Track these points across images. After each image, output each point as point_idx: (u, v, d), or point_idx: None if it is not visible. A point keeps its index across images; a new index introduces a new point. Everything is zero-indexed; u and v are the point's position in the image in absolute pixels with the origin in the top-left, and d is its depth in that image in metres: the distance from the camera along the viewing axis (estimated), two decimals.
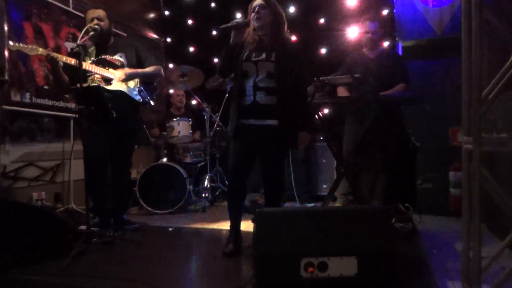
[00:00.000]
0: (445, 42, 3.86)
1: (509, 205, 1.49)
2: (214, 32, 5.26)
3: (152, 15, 5.40)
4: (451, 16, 3.99)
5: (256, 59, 2.41)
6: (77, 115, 2.63)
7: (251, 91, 2.41)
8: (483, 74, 1.56)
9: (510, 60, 1.54)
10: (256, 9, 2.40)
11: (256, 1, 2.44)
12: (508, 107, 2.18)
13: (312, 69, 2.64)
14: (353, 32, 4.41)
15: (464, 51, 1.55)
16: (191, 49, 5.39)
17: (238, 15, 5.12)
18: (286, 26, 2.50)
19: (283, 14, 2.48)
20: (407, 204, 3.26)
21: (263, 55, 2.40)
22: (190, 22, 5.37)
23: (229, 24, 2.38)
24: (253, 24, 2.43)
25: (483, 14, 1.47)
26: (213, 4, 5.25)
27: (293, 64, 2.41)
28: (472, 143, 1.47)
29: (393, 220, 2.97)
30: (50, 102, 3.63)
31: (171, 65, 5.24)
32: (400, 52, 4.15)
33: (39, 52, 2.69)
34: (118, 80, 2.92)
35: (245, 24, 2.40)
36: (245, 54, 2.43)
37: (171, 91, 4.65)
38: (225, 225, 3.13)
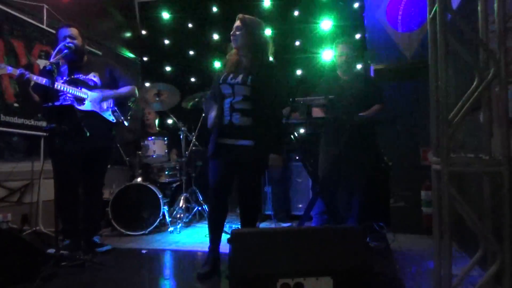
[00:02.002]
0: (414, 65, 4.03)
1: (477, 223, 1.54)
2: (191, 52, 5.30)
3: (128, 34, 5.39)
4: (420, 41, 4.18)
5: (232, 82, 2.43)
6: (47, 134, 2.56)
7: (228, 112, 2.43)
8: (451, 96, 1.64)
9: (474, 85, 1.63)
10: (233, 30, 2.45)
11: (236, 21, 2.47)
12: (474, 128, 2.28)
13: (288, 90, 2.69)
14: (327, 55, 4.54)
15: (431, 75, 1.62)
16: (168, 68, 5.40)
17: (215, 36, 5.19)
18: (269, 47, 2.52)
19: (264, 35, 2.50)
20: (381, 223, 3.31)
21: (239, 78, 2.42)
22: (167, 41, 5.40)
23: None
24: (232, 44, 2.48)
25: (448, 41, 1.55)
26: (190, 24, 5.30)
27: (269, 87, 2.43)
28: (440, 163, 1.52)
29: (367, 239, 3.01)
30: (19, 120, 3.52)
31: (147, 84, 5.22)
32: (372, 74, 4.30)
33: (8, 71, 2.62)
34: (93, 102, 2.89)
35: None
36: (223, 76, 2.47)
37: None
38: (201, 247, 3.08)
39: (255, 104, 2.41)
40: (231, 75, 2.45)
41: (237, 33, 2.42)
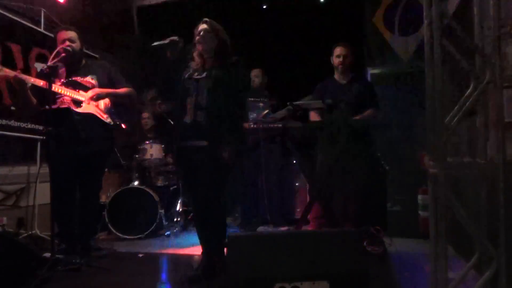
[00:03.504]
0: (411, 69, 4.05)
1: (473, 227, 1.55)
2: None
3: (126, 38, 5.39)
4: (416, 46, 4.20)
5: (197, 77, 2.42)
6: (44, 137, 2.56)
7: (192, 110, 2.38)
8: (447, 100, 1.65)
9: (470, 89, 1.64)
10: (200, 33, 2.44)
11: (201, 25, 2.48)
12: (471, 132, 2.29)
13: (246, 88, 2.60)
14: (325, 59, 4.55)
15: (428, 79, 1.63)
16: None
17: None
18: (231, 53, 2.49)
19: (228, 41, 2.50)
20: (378, 227, 3.30)
21: (204, 74, 2.41)
22: None
23: (163, 42, 2.38)
24: (198, 47, 2.46)
25: (444, 46, 1.56)
26: (188, 29, 5.31)
27: (230, 81, 2.38)
28: (437, 167, 1.53)
29: (364, 243, 3.01)
30: (16, 123, 3.50)
31: (145, 88, 5.21)
32: (369, 78, 4.32)
33: (4, 73, 2.62)
34: (88, 99, 2.87)
35: (179, 43, 2.39)
36: (188, 73, 2.45)
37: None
38: (198, 250, 3.07)
39: (216, 98, 2.35)
40: (197, 73, 2.44)
41: (206, 35, 2.42)
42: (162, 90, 2.49)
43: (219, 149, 2.30)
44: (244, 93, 2.56)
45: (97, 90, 2.93)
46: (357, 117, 3.13)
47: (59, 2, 4.09)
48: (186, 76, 2.45)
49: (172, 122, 4.25)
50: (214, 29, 2.45)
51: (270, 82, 4.33)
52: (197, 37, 2.45)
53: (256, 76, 4.17)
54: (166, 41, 2.38)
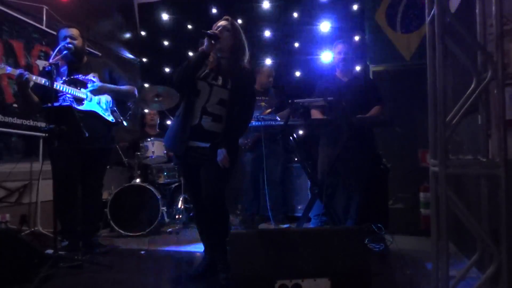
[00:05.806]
0: (413, 67, 4.04)
1: (474, 225, 1.55)
2: (191, 53, 5.30)
3: (128, 35, 5.40)
4: (418, 43, 4.19)
5: (212, 82, 2.36)
6: (47, 134, 2.56)
7: (198, 113, 2.34)
8: (449, 98, 1.64)
9: (471, 87, 1.63)
10: (219, 29, 2.36)
11: (221, 21, 2.41)
12: (472, 130, 2.29)
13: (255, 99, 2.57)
14: (326, 56, 4.55)
15: (429, 77, 1.63)
16: (167, 69, 5.40)
17: None
18: (246, 55, 2.44)
19: (245, 42, 2.44)
20: (379, 225, 3.31)
21: (220, 80, 2.36)
22: (166, 43, 5.40)
23: (209, 32, 2.30)
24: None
25: (446, 44, 1.55)
26: (189, 26, 5.31)
27: (245, 94, 2.37)
28: (438, 165, 1.53)
29: (366, 241, 3.01)
30: (18, 121, 3.51)
31: (146, 85, 5.23)
32: (371, 76, 4.31)
33: (7, 71, 2.63)
34: (90, 92, 2.88)
35: (218, 38, 2.32)
36: (203, 72, 2.37)
37: (145, 110, 4.62)
38: (199, 247, 3.08)
39: (229, 109, 2.32)
40: (212, 75, 2.37)
41: (225, 33, 2.35)
42: (177, 84, 2.44)
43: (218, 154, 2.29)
44: (253, 105, 2.52)
45: (99, 84, 2.94)
46: (368, 115, 3.14)
47: None
48: (201, 76, 2.37)
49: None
50: (234, 28, 2.39)
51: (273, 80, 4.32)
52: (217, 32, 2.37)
53: (262, 73, 4.16)
54: (213, 33, 2.30)
